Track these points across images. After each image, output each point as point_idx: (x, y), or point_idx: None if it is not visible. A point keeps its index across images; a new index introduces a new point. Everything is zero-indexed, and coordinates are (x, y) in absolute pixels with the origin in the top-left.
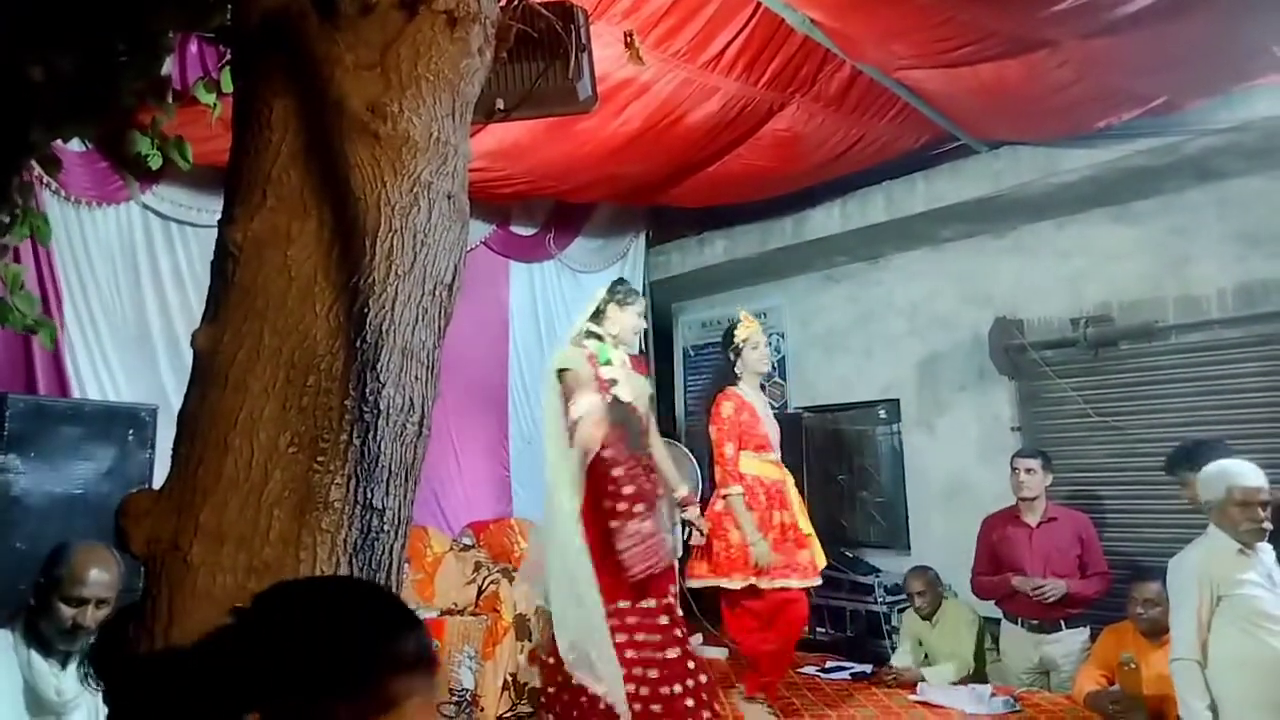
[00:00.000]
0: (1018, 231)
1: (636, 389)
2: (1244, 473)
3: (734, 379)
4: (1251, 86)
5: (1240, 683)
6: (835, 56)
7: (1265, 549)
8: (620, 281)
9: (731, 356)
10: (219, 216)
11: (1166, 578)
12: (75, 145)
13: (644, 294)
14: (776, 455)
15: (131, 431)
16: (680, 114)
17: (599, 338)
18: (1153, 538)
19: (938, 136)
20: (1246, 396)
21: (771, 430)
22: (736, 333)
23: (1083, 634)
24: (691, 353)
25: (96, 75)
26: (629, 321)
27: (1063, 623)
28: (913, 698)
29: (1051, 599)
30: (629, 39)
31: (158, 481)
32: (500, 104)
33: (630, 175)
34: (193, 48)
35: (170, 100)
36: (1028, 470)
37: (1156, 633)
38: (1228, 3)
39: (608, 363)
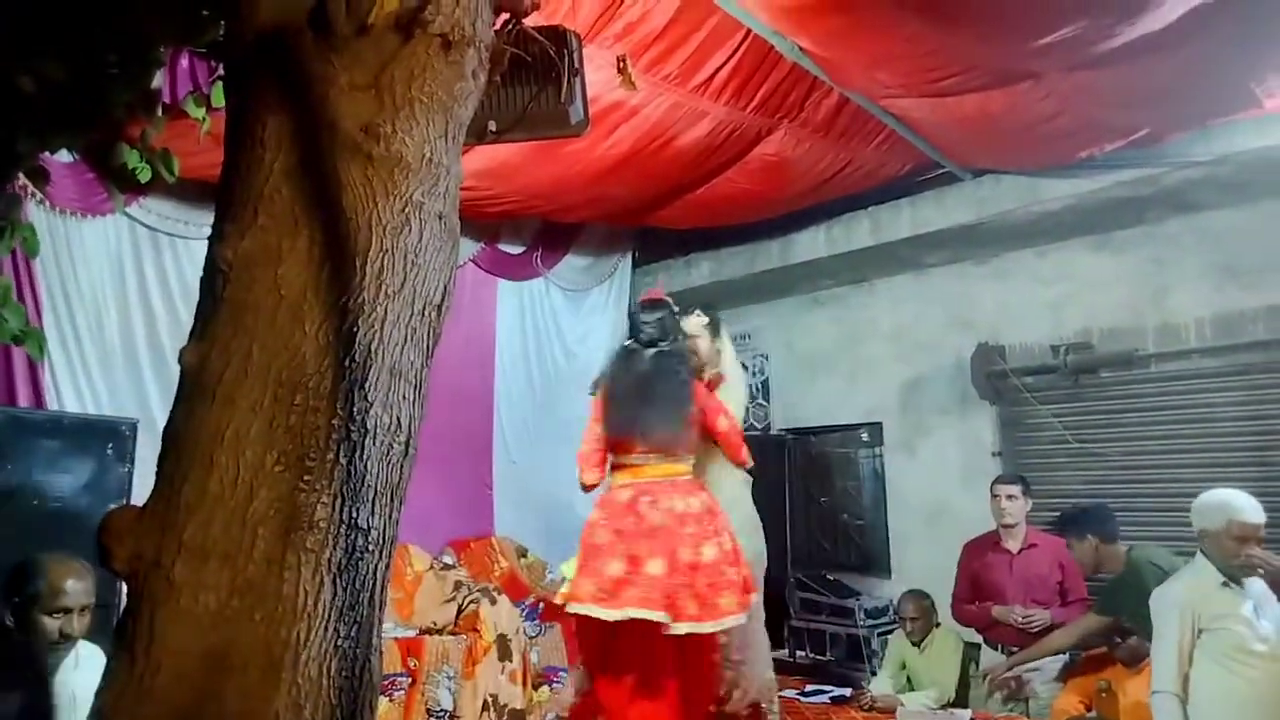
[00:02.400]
0: (1000, 258)
1: None
2: (1245, 507)
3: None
4: (1229, 121)
5: (1223, 716)
6: (823, 83)
7: (1254, 582)
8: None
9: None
10: (207, 231)
11: (1150, 607)
12: (62, 156)
13: (629, 315)
14: None
15: (110, 445)
16: (669, 137)
17: None
18: None
19: (923, 164)
20: (1224, 425)
21: None
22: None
23: (1060, 661)
24: None
25: (86, 87)
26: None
27: None
28: None
29: (1037, 628)
30: (622, 64)
31: (136, 496)
32: (492, 126)
33: (619, 197)
34: (183, 62)
35: (160, 114)
36: (1009, 496)
37: (1133, 660)
38: (1207, 40)
39: None
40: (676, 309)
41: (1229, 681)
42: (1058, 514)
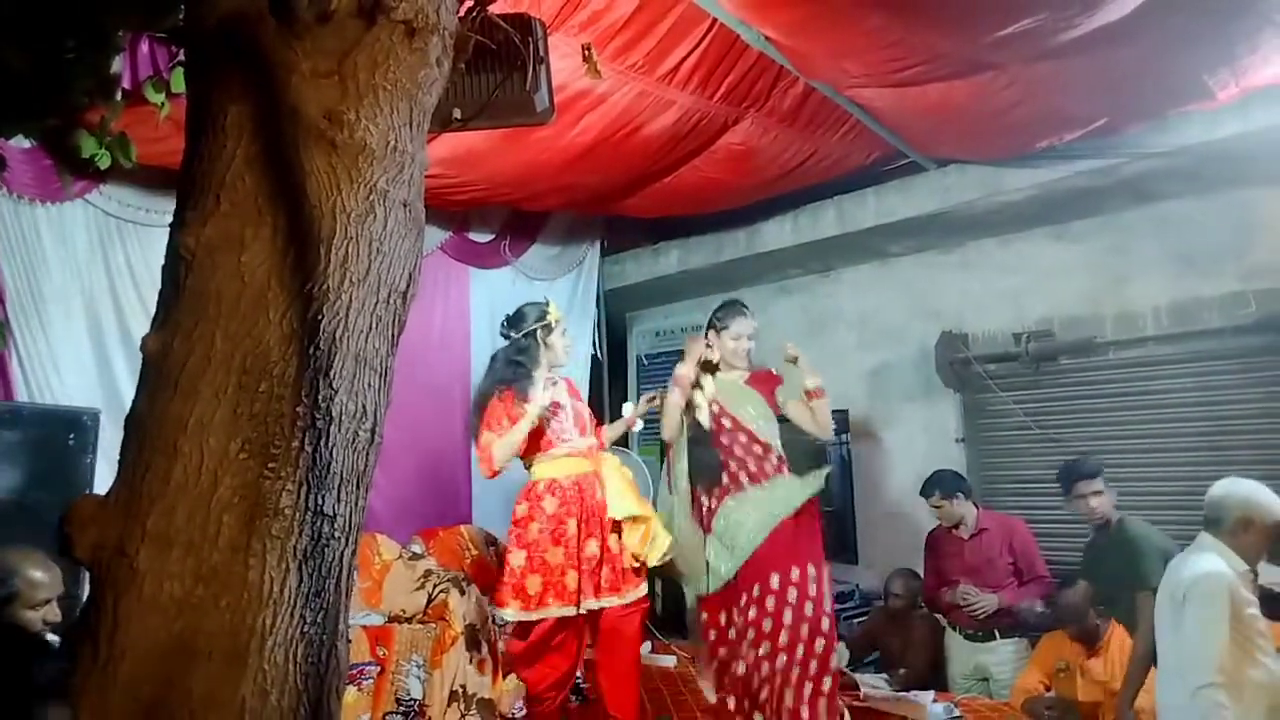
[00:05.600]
0: (964, 248)
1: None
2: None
3: (529, 371)
4: (1185, 112)
5: (1245, 703)
6: (789, 73)
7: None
8: (721, 305)
9: (539, 340)
10: (169, 218)
11: (1181, 593)
12: (20, 142)
13: (598, 303)
14: (583, 443)
15: (73, 436)
16: (636, 126)
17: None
18: None
19: (888, 154)
20: (1179, 411)
21: (568, 420)
22: (549, 312)
23: (1016, 643)
24: (645, 361)
25: (44, 72)
26: (727, 345)
27: (997, 632)
28: (857, 704)
29: (979, 612)
30: (586, 53)
31: (99, 488)
32: (457, 113)
33: (586, 185)
34: (144, 47)
35: (119, 99)
36: (935, 506)
37: (1090, 639)
38: (1164, 32)
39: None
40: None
41: (1256, 673)
42: (1020, 498)
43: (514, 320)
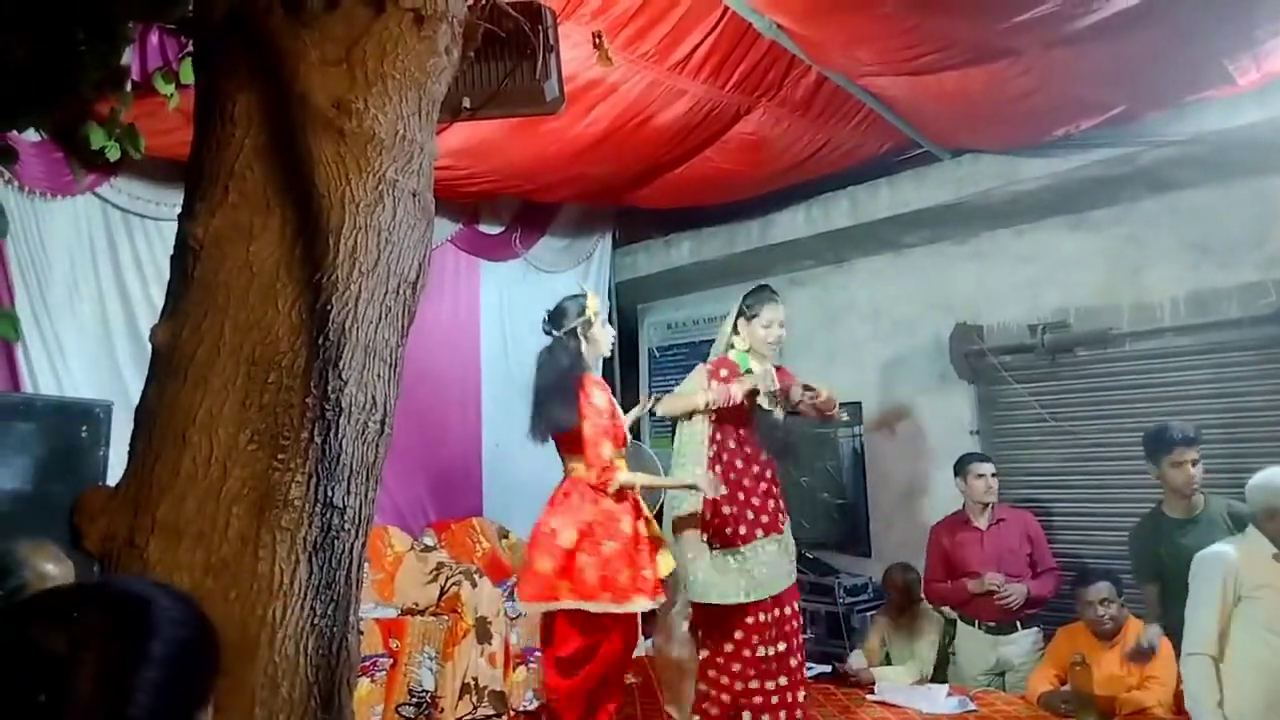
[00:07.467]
0: (979, 238)
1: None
2: None
3: (584, 364)
4: (1203, 99)
5: (1251, 684)
6: (801, 62)
7: None
8: (750, 292)
9: (580, 334)
10: (178, 210)
11: (1190, 570)
12: (30, 135)
13: (609, 295)
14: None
15: (85, 428)
16: (648, 115)
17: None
18: (1105, 540)
19: (901, 143)
20: (1197, 403)
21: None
22: (588, 306)
23: (1035, 634)
24: (657, 354)
25: (53, 65)
26: (758, 333)
27: (1018, 624)
28: (871, 698)
29: (1013, 602)
30: (597, 40)
31: (112, 480)
32: (467, 103)
33: (597, 175)
34: (153, 38)
35: (128, 91)
36: (994, 474)
37: (1108, 634)
38: (1183, 16)
39: (748, 371)
40: (582, 298)
41: (1262, 652)
42: (1035, 491)
43: (554, 317)
